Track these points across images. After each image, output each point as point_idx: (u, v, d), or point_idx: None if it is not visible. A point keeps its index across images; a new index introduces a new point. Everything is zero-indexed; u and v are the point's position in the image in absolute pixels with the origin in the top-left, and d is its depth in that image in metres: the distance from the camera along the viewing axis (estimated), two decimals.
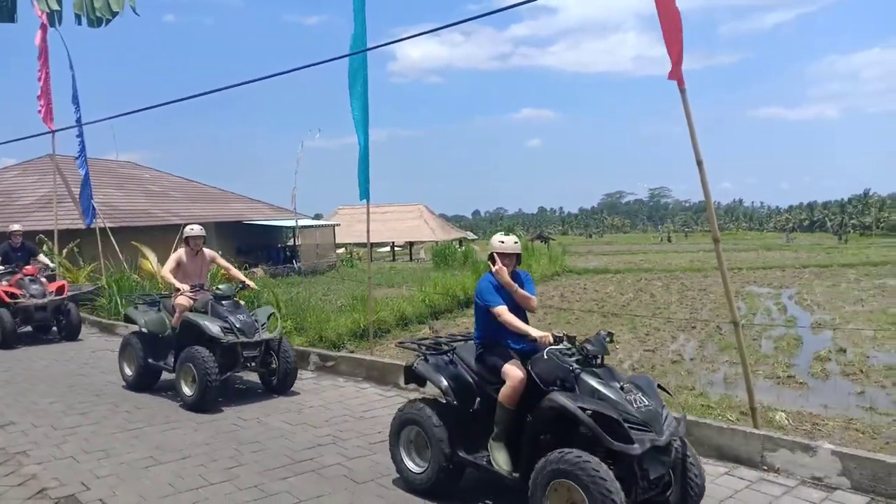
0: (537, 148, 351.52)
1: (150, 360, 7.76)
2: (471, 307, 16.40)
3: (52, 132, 14.95)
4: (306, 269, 28.17)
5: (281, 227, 31.76)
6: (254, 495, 4.73)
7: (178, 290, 7.58)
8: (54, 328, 11.88)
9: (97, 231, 15.40)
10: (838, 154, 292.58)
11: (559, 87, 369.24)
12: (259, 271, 20.82)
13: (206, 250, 8.19)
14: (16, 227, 12.44)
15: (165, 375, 7.93)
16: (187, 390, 7.01)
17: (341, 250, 38.48)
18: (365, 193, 8.81)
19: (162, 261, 13.85)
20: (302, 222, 31.33)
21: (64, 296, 11.61)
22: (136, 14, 13.87)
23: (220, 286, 7.53)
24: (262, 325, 7.48)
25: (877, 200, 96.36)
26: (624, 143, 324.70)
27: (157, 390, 7.90)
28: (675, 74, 5.61)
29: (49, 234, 15.91)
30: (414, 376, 4.98)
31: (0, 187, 24.84)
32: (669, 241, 76.96)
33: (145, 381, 7.87)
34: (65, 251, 16.40)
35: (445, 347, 4.98)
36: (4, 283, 11.32)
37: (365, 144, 8.65)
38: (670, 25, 5.58)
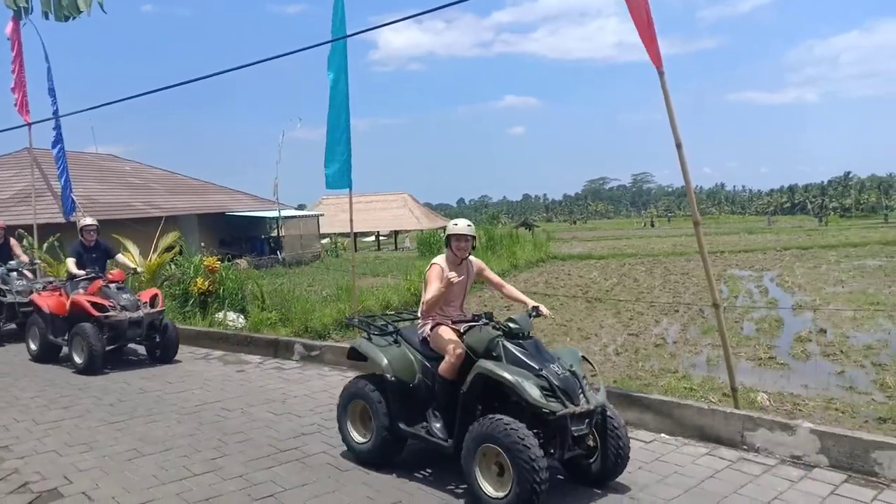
0: (521, 135, 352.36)
1: (399, 425, 4.93)
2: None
3: (29, 125, 14.75)
4: (290, 259, 28.08)
5: (264, 218, 31.59)
6: (238, 485, 4.73)
7: (440, 323, 5.01)
8: (136, 346, 9.50)
9: (77, 224, 15.24)
10: (818, 138, 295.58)
11: (542, 73, 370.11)
12: (243, 263, 20.71)
13: (473, 259, 5.39)
14: (88, 220, 9.78)
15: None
16: (490, 488, 4.26)
17: (326, 240, 38.36)
18: (347, 182, 8.80)
19: (144, 254, 13.76)
20: (285, 213, 31.20)
21: (160, 307, 9.17)
22: (104, 11, 13.57)
23: (513, 317, 4.81)
24: (583, 381, 4.51)
25: (856, 183, 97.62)
26: (607, 130, 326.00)
27: (119, 375, 7.85)
28: (655, 59, 5.64)
29: (29, 228, 15.71)
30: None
31: None
32: (653, 225, 77.42)
33: (390, 452, 5.07)
34: (45, 245, 16.21)
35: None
36: (81, 290, 9.01)
37: (346, 131, 8.64)
38: (639, 13, 5.61)
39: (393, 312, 6.32)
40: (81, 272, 9.13)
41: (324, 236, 38.31)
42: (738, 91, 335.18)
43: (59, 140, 14.93)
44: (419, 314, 5.29)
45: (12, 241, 11.83)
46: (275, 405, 6.80)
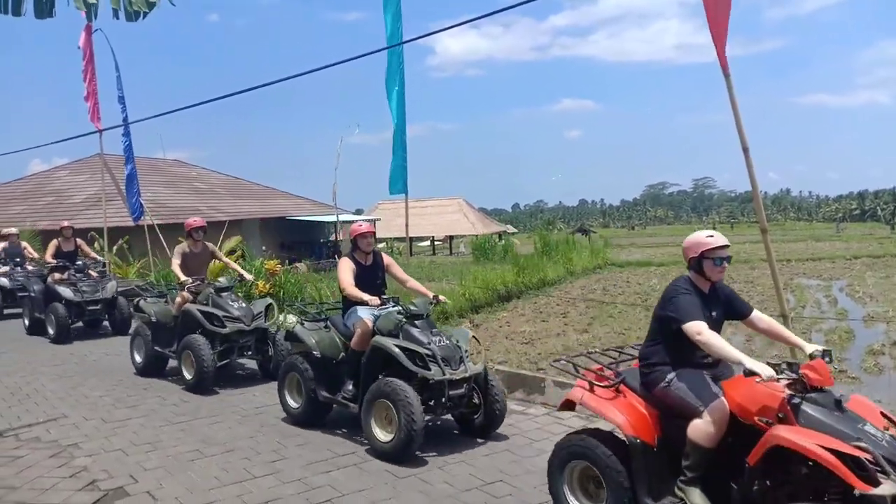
0: (577, 139, 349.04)
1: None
2: (511, 301, 16.32)
3: (100, 132, 15.35)
4: None
5: (323, 223, 32.06)
6: (297, 489, 4.78)
7: None
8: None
9: (145, 228, 15.76)
10: (890, 141, 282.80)
11: (599, 77, 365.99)
12: (302, 266, 21.06)
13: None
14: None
15: None
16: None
17: (382, 245, 38.72)
18: (402, 187, 8.87)
19: None
20: (343, 217, 31.59)
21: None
22: (173, 4, 13.93)
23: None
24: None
25: None
26: (666, 133, 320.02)
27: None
28: (721, 61, 5.49)
29: (99, 230, 16.35)
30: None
31: (52, 186, 25.67)
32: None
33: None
34: (115, 248, 16.85)
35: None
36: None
37: (402, 138, 8.71)
38: (717, 10, 5.46)
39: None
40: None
41: (380, 241, 38.68)
42: (806, 93, 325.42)
43: (128, 146, 15.49)
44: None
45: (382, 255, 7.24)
46: (333, 410, 6.84)
